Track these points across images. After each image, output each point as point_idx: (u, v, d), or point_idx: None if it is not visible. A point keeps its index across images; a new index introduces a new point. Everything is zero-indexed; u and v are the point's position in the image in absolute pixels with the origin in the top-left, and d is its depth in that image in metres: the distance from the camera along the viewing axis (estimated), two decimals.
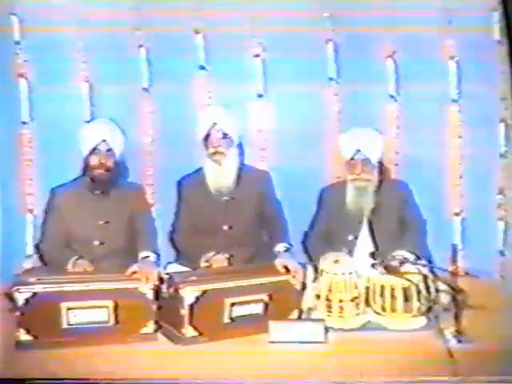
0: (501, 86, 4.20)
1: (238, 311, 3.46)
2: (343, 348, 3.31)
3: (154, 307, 3.46)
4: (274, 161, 4.42)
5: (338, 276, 3.55)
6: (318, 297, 3.57)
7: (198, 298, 3.37)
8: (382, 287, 3.52)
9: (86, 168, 3.79)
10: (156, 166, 4.44)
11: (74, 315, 3.35)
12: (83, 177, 3.82)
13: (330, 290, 3.54)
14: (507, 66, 3.87)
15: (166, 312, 3.47)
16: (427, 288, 3.53)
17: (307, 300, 3.60)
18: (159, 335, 3.47)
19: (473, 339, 3.28)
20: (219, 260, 3.76)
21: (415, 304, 3.50)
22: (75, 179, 3.87)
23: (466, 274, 3.88)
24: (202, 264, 3.74)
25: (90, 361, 3.17)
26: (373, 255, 3.70)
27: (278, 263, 3.66)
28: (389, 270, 3.54)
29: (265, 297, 3.51)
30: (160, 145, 4.44)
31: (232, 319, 3.45)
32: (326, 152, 4.37)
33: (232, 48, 4.37)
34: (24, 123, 4.39)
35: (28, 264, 4.18)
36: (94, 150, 3.75)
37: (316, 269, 3.67)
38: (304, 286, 3.62)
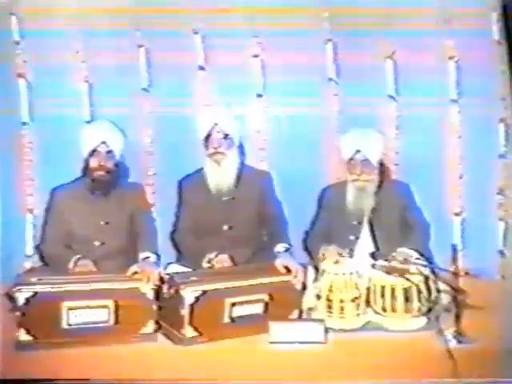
0: (501, 85, 4.21)
1: (238, 311, 3.46)
2: (343, 348, 3.31)
3: (155, 307, 3.45)
4: (273, 161, 4.42)
5: (339, 276, 3.55)
6: (319, 297, 3.57)
7: (198, 298, 3.37)
8: (383, 287, 3.52)
9: (86, 169, 3.79)
10: (156, 166, 4.45)
11: (75, 315, 3.35)
12: (83, 177, 3.82)
13: (330, 290, 3.54)
14: (507, 66, 3.87)
15: (166, 312, 3.47)
16: (428, 288, 3.53)
17: (307, 300, 3.60)
18: (159, 335, 3.46)
19: (473, 339, 3.28)
20: (222, 260, 3.75)
21: (416, 304, 3.50)
22: (75, 179, 3.86)
23: (466, 274, 3.88)
24: (204, 265, 3.74)
25: (90, 361, 3.17)
26: (373, 255, 3.70)
27: (279, 263, 3.66)
28: (389, 270, 3.54)
29: (265, 297, 3.51)
30: (160, 145, 4.44)
31: (232, 319, 3.45)
32: (326, 152, 4.37)
33: (232, 48, 4.37)
34: (24, 123, 4.40)
35: (28, 264, 4.18)
36: (93, 152, 3.75)
37: (317, 269, 3.67)
38: (304, 286, 3.62)
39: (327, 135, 4.41)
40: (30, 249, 4.33)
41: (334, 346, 3.34)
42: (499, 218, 4.44)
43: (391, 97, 4.45)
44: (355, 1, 4.33)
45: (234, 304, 3.45)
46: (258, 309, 3.51)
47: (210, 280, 3.49)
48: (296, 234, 4.01)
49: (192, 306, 3.37)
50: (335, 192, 3.97)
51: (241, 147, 3.99)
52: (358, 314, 3.52)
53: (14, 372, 3.06)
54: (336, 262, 3.63)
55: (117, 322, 3.40)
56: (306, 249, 3.95)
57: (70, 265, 3.61)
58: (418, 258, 3.61)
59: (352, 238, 3.83)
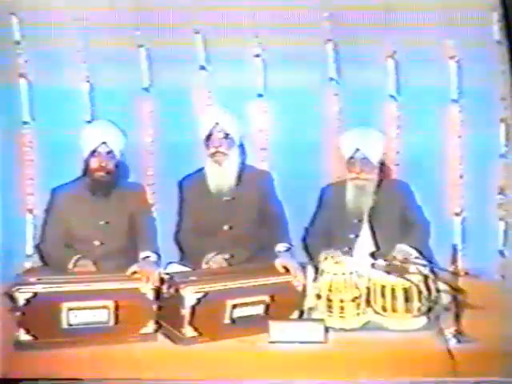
0: (501, 85, 4.21)
1: (239, 312, 3.45)
2: (344, 348, 3.31)
3: (154, 307, 3.45)
4: (274, 161, 4.42)
5: (339, 276, 3.55)
6: (319, 297, 3.57)
7: (199, 300, 3.37)
8: (383, 287, 3.51)
9: (87, 170, 3.79)
10: (156, 166, 4.45)
11: (75, 315, 3.35)
12: (84, 177, 3.82)
13: (330, 290, 3.54)
14: (507, 65, 3.87)
15: (166, 312, 3.46)
16: (428, 288, 3.52)
17: (308, 300, 3.60)
18: (159, 335, 3.46)
19: (473, 339, 3.28)
20: (218, 262, 3.75)
21: (416, 304, 3.50)
22: (76, 179, 3.86)
23: (466, 274, 3.86)
24: (203, 265, 3.74)
25: (89, 361, 3.17)
26: (373, 255, 3.70)
27: (278, 263, 3.66)
28: (389, 269, 3.53)
29: (266, 298, 3.51)
30: (160, 145, 4.44)
31: (233, 320, 3.45)
32: (326, 152, 4.37)
33: (232, 48, 4.37)
34: (24, 123, 4.40)
35: (28, 264, 4.18)
36: (94, 153, 3.75)
37: (316, 269, 3.67)
38: (305, 287, 3.62)
39: (327, 135, 4.40)
40: (29, 249, 4.33)
41: (334, 346, 3.33)
42: (499, 218, 4.44)
43: (392, 96, 4.45)
44: (355, 1, 4.32)
45: (235, 306, 3.44)
46: (259, 310, 3.51)
47: (210, 280, 3.49)
48: (296, 234, 4.01)
49: (193, 307, 3.36)
50: (335, 190, 3.98)
51: (241, 147, 3.99)
52: (358, 314, 3.52)
53: (14, 372, 3.06)
54: (336, 262, 3.63)
55: (117, 322, 3.40)
56: (306, 248, 3.95)
57: (70, 265, 3.61)
58: (417, 257, 3.61)
59: (352, 236, 3.83)
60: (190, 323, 3.37)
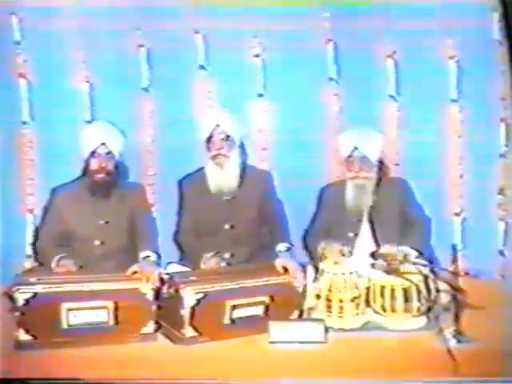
0: (501, 86, 4.21)
1: (239, 313, 3.45)
2: (343, 348, 3.31)
3: (154, 307, 3.45)
4: (274, 161, 4.42)
5: (338, 276, 3.55)
6: (318, 297, 3.56)
7: (199, 301, 3.37)
8: (382, 287, 3.51)
9: (86, 170, 3.79)
10: (156, 166, 4.45)
11: (74, 316, 3.34)
12: (84, 177, 3.81)
13: (330, 290, 3.53)
14: (507, 65, 3.87)
15: (166, 312, 3.46)
16: (427, 288, 3.52)
17: (307, 300, 3.60)
18: (159, 335, 3.46)
19: (473, 339, 3.27)
20: (215, 261, 3.74)
21: (415, 304, 3.50)
22: (76, 179, 3.86)
23: (466, 273, 3.87)
24: (202, 265, 3.74)
25: (90, 361, 3.16)
26: (373, 255, 3.70)
27: (278, 263, 3.66)
28: (389, 269, 3.54)
29: (266, 298, 3.50)
30: (160, 145, 4.44)
31: (232, 320, 3.44)
32: (326, 152, 4.37)
33: (232, 48, 4.37)
34: (24, 123, 4.40)
35: (28, 264, 4.18)
36: (93, 154, 3.75)
37: (316, 269, 3.67)
38: (305, 287, 3.62)
39: (327, 135, 4.40)
40: (29, 249, 4.33)
41: (333, 346, 3.33)
42: (499, 218, 4.44)
43: (391, 97, 4.45)
44: (355, 1, 4.32)
45: (234, 306, 3.44)
46: (259, 310, 3.50)
47: (210, 280, 3.48)
48: (296, 234, 4.01)
49: (193, 308, 3.36)
50: (334, 190, 3.98)
51: (242, 147, 3.98)
52: (357, 314, 3.52)
53: (14, 372, 3.06)
54: (335, 262, 3.63)
55: (117, 322, 3.39)
56: (306, 247, 3.95)
57: (53, 264, 3.61)
58: (417, 257, 3.62)
59: (351, 235, 3.83)
60: (190, 323, 3.37)
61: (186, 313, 3.35)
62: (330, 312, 3.52)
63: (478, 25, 4.28)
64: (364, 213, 3.85)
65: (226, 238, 3.88)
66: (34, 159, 4.40)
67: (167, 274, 3.59)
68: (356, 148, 3.83)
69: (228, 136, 3.86)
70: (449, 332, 3.30)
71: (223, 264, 3.76)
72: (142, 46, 4.39)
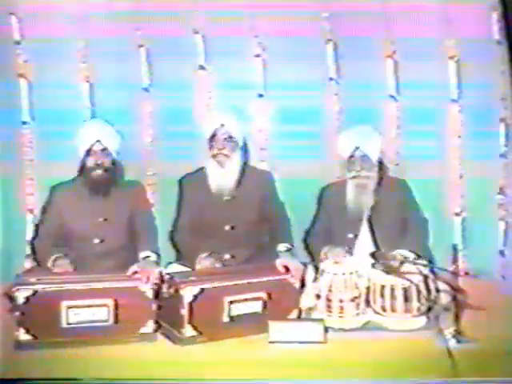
0: (501, 85, 4.21)
1: (237, 310, 3.45)
2: (343, 348, 3.31)
3: (154, 307, 3.45)
4: (274, 161, 4.42)
5: (339, 276, 3.55)
6: (318, 297, 3.56)
7: (196, 297, 3.37)
8: (382, 287, 3.51)
9: (84, 171, 3.78)
10: (156, 166, 4.45)
11: (74, 314, 3.34)
12: (81, 176, 3.81)
13: (330, 290, 3.54)
14: (507, 65, 3.87)
15: (165, 312, 3.46)
16: (427, 288, 3.52)
17: (307, 300, 3.60)
18: (159, 335, 3.46)
19: (472, 339, 3.27)
20: (208, 262, 3.72)
21: (415, 304, 3.50)
22: (75, 178, 3.85)
23: (466, 274, 3.87)
24: (197, 265, 3.72)
25: (90, 361, 3.17)
26: (373, 255, 3.70)
27: (279, 263, 3.66)
28: (389, 269, 3.54)
29: (263, 295, 3.50)
30: (160, 145, 4.44)
31: (231, 318, 3.44)
32: (326, 152, 4.37)
33: (232, 48, 4.37)
34: (24, 123, 4.40)
35: (28, 264, 4.18)
36: (89, 152, 3.75)
37: (316, 268, 3.67)
38: (303, 285, 3.62)
39: (328, 135, 4.40)
40: (29, 248, 4.33)
41: (333, 346, 3.33)
42: (499, 218, 4.44)
43: (392, 96, 4.45)
44: (355, 1, 4.33)
45: (232, 302, 3.44)
46: (257, 307, 3.50)
47: (210, 280, 3.48)
48: (296, 234, 4.01)
49: (191, 305, 3.36)
50: (335, 190, 3.97)
51: (244, 149, 3.97)
52: (357, 314, 3.52)
53: (14, 371, 3.06)
54: (336, 262, 3.63)
55: (116, 321, 3.40)
56: (307, 247, 3.95)
57: (49, 264, 3.61)
58: (417, 258, 3.62)
59: (351, 235, 3.83)
60: (190, 322, 3.37)
61: (185, 312, 3.35)
62: (330, 312, 3.52)
63: (477, 25, 4.28)
64: (364, 213, 3.84)
65: (227, 239, 3.87)
66: (34, 159, 4.39)
67: (167, 273, 3.59)
68: (357, 147, 3.83)
69: (231, 137, 3.85)
70: (449, 332, 3.30)
71: (218, 265, 3.75)
72: (141, 46, 4.39)
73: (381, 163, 3.92)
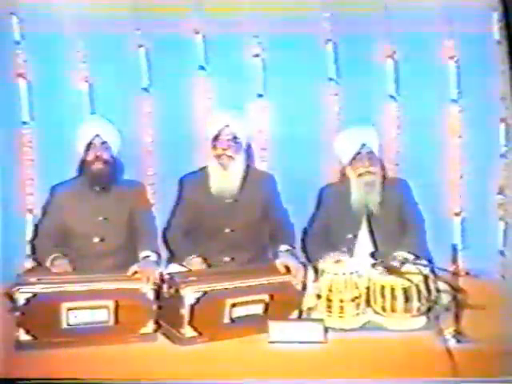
0: (501, 85, 4.21)
1: (239, 312, 3.45)
2: (343, 348, 3.31)
3: (154, 307, 3.45)
4: (274, 161, 4.42)
5: (339, 276, 3.55)
6: (319, 297, 3.57)
7: (198, 299, 3.37)
8: (383, 287, 3.52)
9: (84, 166, 3.78)
10: (156, 166, 4.45)
11: (74, 315, 3.35)
12: (82, 175, 3.81)
13: (330, 290, 3.54)
14: (507, 65, 3.87)
15: (166, 312, 3.46)
16: (427, 288, 3.52)
17: (307, 300, 3.60)
18: (159, 335, 3.46)
19: (473, 339, 3.28)
20: (197, 264, 3.71)
21: (415, 304, 3.50)
22: (75, 178, 3.86)
23: (466, 274, 3.86)
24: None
25: (89, 361, 3.17)
26: (373, 255, 3.70)
27: (279, 263, 3.65)
28: (389, 270, 3.54)
29: (265, 297, 3.50)
30: (160, 145, 4.44)
31: (232, 320, 3.45)
32: (326, 152, 4.36)
33: (232, 48, 4.37)
34: (24, 123, 4.39)
35: (28, 264, 4.18)
36: (89, 146, 3.75)
37: (316, 269, 3.67)
38: (305, 286, 3.62)
39: (327, 135, 4.40)
40: (29, 248, 4.33)
41: (333, 346, 3.34)
42: (499, 218, 4.44)
43: (391, 97, 4.45)
44: (355, 1, 4.33)
45: (234, 304, 3.44)
46: (258, 309, 3.50)
47: (210, 280, 3.48)
48: (296, 234, 4.01)
49: (192, 307, 3.36)
50: (334, 191, 3.97)
51: (248, 151, 3.96)
52: (357, 314, 3.52)
53: (14, 372, 3.06)
54: (336, 262, 3.63)
55: (117, 321, 3.40)
56: (304, 248, 3.94)
57: (47, 263, 3.62)
58: (416, 258, 3.62)
59: (350, 236, 3.82)
60: (190, 323, 3.37)
61: (185, 313, 3.35)
62: (330, 312, 3.52)
63: (477, 25, 4.28)
64: (365, 213, 3.84)
65: (226, 242, 3.85)
66: (34, 159, 4.39)
67: (168, 273, 3.59)
68: (364, 144, 3.82)
69: (235, 138, 3.82)
70: (449, 332, 3.31)
71: (204, 266, 3.72)
72: (141, 46, 4.39)
73: (381, 162, 3.92)
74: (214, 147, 3.83)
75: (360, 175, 3.84)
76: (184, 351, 3.33)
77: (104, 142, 3.76)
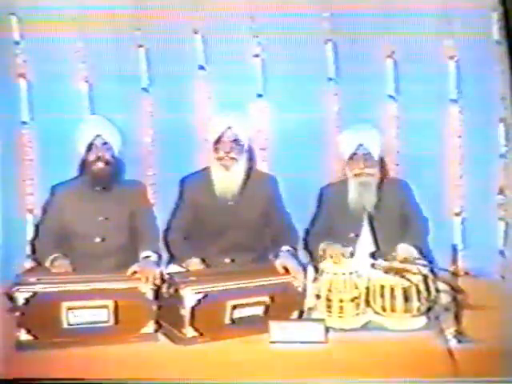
0: (501, 85, 4.21)
1: (239, 313, 3.45)
2: (343, 348, 3.31)
3: (154, 307, 3.45)
4: (274, 161, 4.42)
5: (338, 276, 3.55)
6: (319, 297, 3.56)
7: (199, 301, 3.36)
8: (382, 287, 3.51)
9: (85, 166, 3.78)
10: (156, 166, 4.45)
11: (75, 315, 3.35)
12: (83, 175, 3.81)
13: (330, 290, 3.54)
14: (507, 66, 3.87)
15: (166, 312, 3.46)
16: (427, 288, 3.52)
17: (307, 300, 3.60)
18: (159, 335, 3.46)
19: (473, 339, 3.27)
20: (195, 265, 3.72)
21: (415, 304, 3.50)
22: (75, 177, 3.85)
23: (466, 274, 3.87)
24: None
25: (89, 361, 3.16)
26: (373, 255, 3.70)
27: (278, 264, 3.65)
28: (389, 269, 3.54)
29: (266, 298, 3.50)
30: (160, 145, 4.44)
31: (233, 321, 3.44)
32: (326, 152, 4.37)
33: (232, 48, 4.37)
34: (24, 123, 4.40)
35: (28, 264, 4.17)
36: (90, 146, 3.75)
37: (316, 269, 3.67)
38: (305, 287, 3.61)
39: (327, 135, 4.40)
40: (29, 248, 4.33)
41: (333, 346, 3.33)
42: (499, 218, 4.44)
43: (391, 97, 4.45)
44: (355, 1, 4.33)
45: (235, 306, 3.44)
46: (259, 311, 3.50)
47: (211, 280, 3.48)
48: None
49: (193, 309, 3.36)
50: (335, 190, 3.97)
51: (250, 152, 3.95)
52: (357, 314, 3.52)
53: (14, 372, 3.06)
54: (336, 262, 3.63)
55: (117, 321, 3.39)
56: (306, 247, 3.94)
57: (47, 263, 3.62)
58: (417, 258, 3.62)
59: (352, 235, 3.82)
60: (191, 323, 3.37)
61: (186, 313, 3.35)
62: (330, 312, 3.52)
63: (477, 25, 4.28)
64: (365, 213, 3.84)
65: (227, 243, 3.84)
66: (34, 159, 4.39)
67: (168, 273, 3.58)
68: (361, 145, 3.82)
69: (238, 140, 3.81)
70: (449, 332, 3.31)
71: (203, 267, 3.72)
72: (141, 46, 4.39)
73: (382, 162, 3.92)
74: (216, 150, 3.81)
75: (355, 175, 3.85)
76: (185, 351, 3.32)
77: (105, 143, 3.76)
